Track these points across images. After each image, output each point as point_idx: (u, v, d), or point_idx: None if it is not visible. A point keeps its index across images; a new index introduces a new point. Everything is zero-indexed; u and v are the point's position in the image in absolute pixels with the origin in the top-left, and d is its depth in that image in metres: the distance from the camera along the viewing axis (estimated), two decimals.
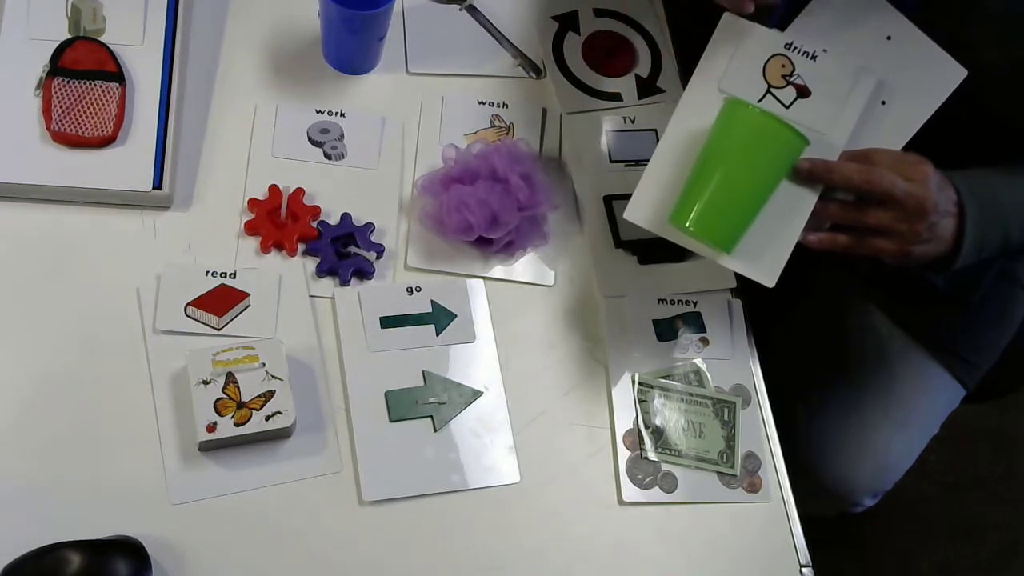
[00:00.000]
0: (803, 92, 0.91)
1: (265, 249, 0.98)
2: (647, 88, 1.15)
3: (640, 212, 0.92)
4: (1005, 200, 0.92)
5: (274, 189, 1.00)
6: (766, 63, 0.92)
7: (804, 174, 0.88)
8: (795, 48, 0.91)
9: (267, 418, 0.87)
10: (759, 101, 0.91)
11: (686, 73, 1.16)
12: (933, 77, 0.89)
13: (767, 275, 0.89)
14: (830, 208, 0.89)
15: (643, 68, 1.17)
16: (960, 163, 0.91)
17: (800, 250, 0.89)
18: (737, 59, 0.92)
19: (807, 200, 0.89)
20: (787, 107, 0.91)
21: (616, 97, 1.14)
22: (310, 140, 1.05)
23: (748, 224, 0.88)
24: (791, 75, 0.91)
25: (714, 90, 0.92)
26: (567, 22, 1.18)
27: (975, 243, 0.90)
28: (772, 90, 0.92)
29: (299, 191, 1.01)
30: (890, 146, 0.90)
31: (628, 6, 1.20)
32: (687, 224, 0.87)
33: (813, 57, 0.91)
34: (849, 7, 0.91)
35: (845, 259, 0.94)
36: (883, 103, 0.91)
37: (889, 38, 0.90)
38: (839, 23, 0.91)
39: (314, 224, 0.99)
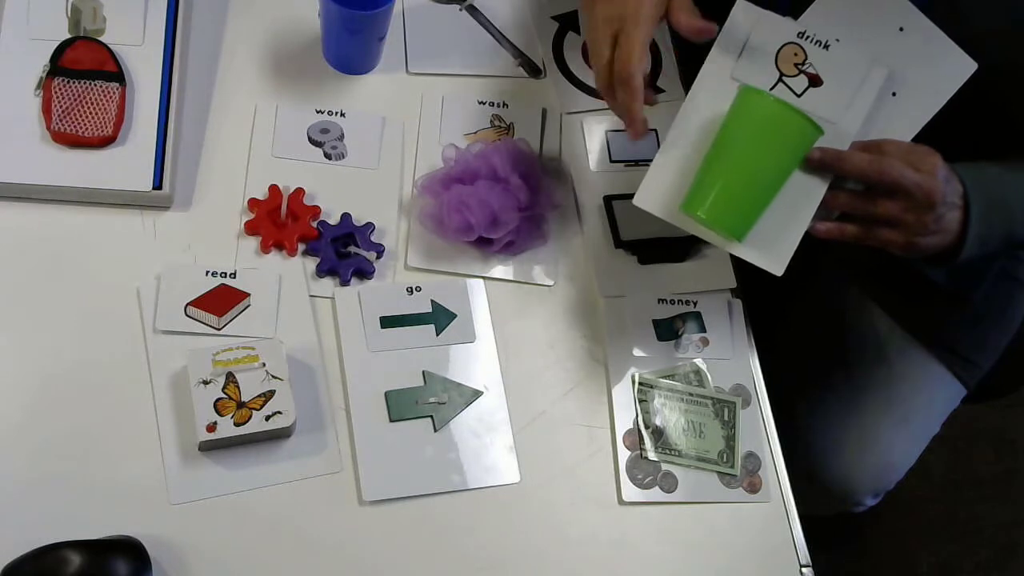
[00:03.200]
0: (815, 81, 0.91)
1: (265, 249, 0.98)
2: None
3: (650, 199, 0.91)
4: (1010, 194, 0.92)
5: (274, 189, 1.00)
6: (779, 51, 0.91)
7: (815, 163, 0.88)
8: (808, 37, 0.91)
9: (267, 418, 0.87)
10: (771, 89, 0.91)
11: (686, 73, 1.16)
12: (944, 70, 0.89)
13: (776, 263, 0.88)
14: (839, 197, 0.89)
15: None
16: (969, 157, 0.91)
17: (802, 249, 0.89)
18: (750, 47, 0.92)
19: (817, 189, 0.89)
20: (799, 96, 0.91)
21: None
22: (310, 140, 1.05)
23: (760, 213, 0.88)
24: (803, 64, 0.91)
25: (726, 78, 0.92)
26: (567, 22, 1.18)
27: (979, 236, 0.90)
28: (784, 78, 0.91)
29: (299, 191, 1.01)
30: (900, 137, 0.89)
31: None
32: (700, 212, 0.86)
33: (826, 46, 0.91)
34: None
35: (849, 253, 0.94)
36: (893, 94, 0.91)
37: (901, 29, 0.90)
38: (851, 13, 0.91)
39: (314, 224, 0.99)
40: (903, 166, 0.86)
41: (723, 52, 0.92)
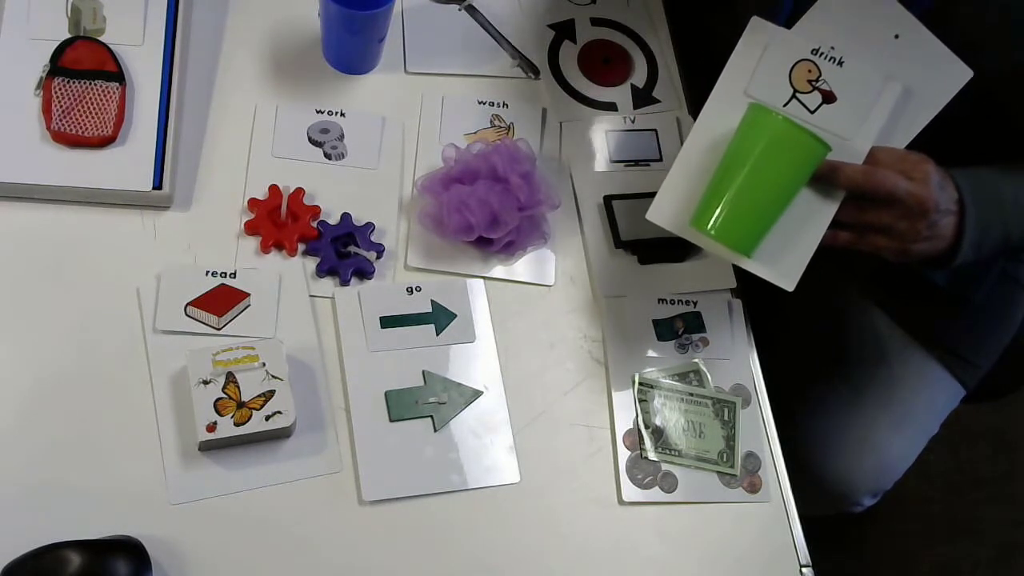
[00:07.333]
0: (829, 98, 0.91)
1: (265, 249, 0.98)
2: (642, 98, 1.15)
3: (662, 213, 0.92)
4: (1006, 198, 0.92)
5: (274, 189, 1.00)
6: (792, 68, 0.92)
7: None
8: (822, 54, 0.91)
9: (267, 418, 0.87)
10: (784, 106, 0.91)
11: (688, 82, 1.16)
12: (939, 77, 0.89)
13: (787, 279, 0.89)
14: None
15: (639, 78, 1.16)
16: (965, 162, 0.91)
17: None
18: (763, 64, 0.92)
19: (829, 205, 0.89)
20: (812, 112, 0.91)
21: (611, 107, 1.14)
22: (310, 140, 1.05)
23: (768, 229, 0.88)
24: (817, 80, 0.91)
25: (740, 94, 0.92)
26: (563, 31, 1.18)
27: (974, 241, 0.91)
28: (798, 95, 0.91)
29: (299, 191, 1.01)
30: (895, 144, 0.90)
31: (626, 16, 1.20)
32: (708, 228, 0.87)
33: (840, 63, 0.91)
34: (858, 5, 0.91)
35: (846, 257, 0.95)
36: None
37: (897, 37, 0.90)
38: (847, 20, 0.91)
39: (314, 224, 0.99)
40: (896, 176, 0.86)
41: (737, 69, 0.93)
